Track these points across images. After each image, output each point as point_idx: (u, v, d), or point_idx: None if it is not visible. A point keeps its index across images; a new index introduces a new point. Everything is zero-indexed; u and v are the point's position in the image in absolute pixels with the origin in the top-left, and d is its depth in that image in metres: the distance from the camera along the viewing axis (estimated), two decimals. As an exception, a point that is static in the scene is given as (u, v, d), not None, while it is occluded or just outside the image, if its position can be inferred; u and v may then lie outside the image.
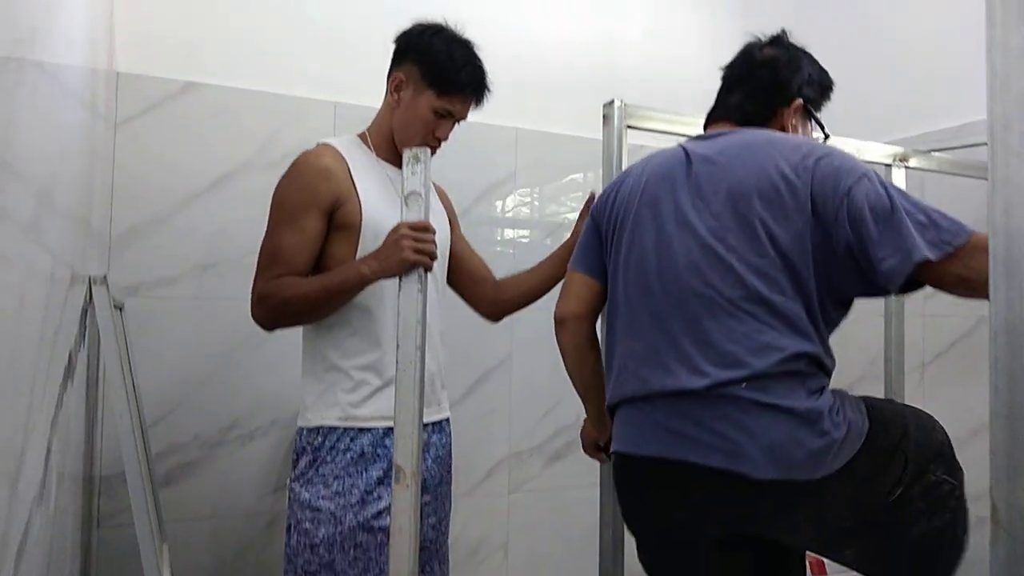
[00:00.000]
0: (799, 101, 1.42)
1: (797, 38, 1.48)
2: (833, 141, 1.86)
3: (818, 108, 1.48)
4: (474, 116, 1.64)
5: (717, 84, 1.47)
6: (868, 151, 1.93)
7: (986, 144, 2.13)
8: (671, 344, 1.28)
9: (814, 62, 1.47)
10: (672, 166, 1.37)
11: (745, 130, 1.37)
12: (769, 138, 1.32)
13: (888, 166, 1.97)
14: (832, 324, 1.31)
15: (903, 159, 1.95)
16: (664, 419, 1.27)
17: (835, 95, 2.86)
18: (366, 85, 1.81)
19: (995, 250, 0.82)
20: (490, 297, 1.75)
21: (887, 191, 1.22)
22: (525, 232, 2.52)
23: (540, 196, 2.54)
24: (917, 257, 1.17)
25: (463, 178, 2.31)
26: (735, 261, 1.24)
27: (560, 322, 1.49)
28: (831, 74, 1.51)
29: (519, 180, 2.46)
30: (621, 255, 1.39)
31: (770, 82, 1.42)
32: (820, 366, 1.26)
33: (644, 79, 2.62)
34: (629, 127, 1.53)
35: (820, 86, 1.47)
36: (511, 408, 2.41)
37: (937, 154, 2.00)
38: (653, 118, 1.57)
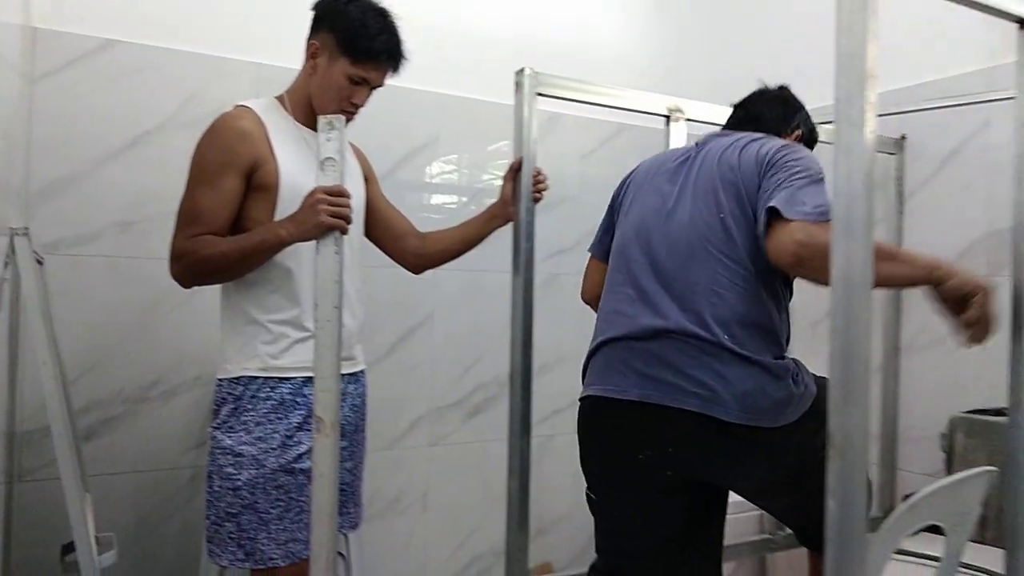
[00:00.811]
0: (799, 132, 1.63)
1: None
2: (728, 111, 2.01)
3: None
4: (396, 80, 1.69)
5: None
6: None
7: (882, 115, 2.30)
8: (665, 289, 1.43)
9: (809, 114, 1.69)
10: (684, 152, 1.56)
11: (750, 133, 1.54)
12: (767, 137, 1.50)
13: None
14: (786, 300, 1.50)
15: (794, 131, 2.09)
16: (643, 367, 1.42)
17: (731, 69, 3.04)
18: (289, 46, 1.83)
19: (837, 210, 0.94)
20: (413, 250, 1.83)
21: (810, 180, 1.35)
22: (451, 198, 2.59)
23: (465, 162, 2.61)
24: (770, 202, 1.31)
25: (384, 141, 2.36)
26: (732, 225, 1.40)
27: (587, 304, 1.76)
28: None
29: (441, 145, 2.52)
30: (628, 219, 1.57)
31: (780, 111, 1.64)
32: (783, 333, 1.45)
33: (567, 47, 2.70)
34: (540, 95, 1.61)
35: (811, 133, 1.68)
36: (432, 365, 2.50)
37: (824, 126, 2.14)
38: (563, 86, 1.66)
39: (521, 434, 1.64)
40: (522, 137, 1.61)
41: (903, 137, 2.25)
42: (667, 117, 1.85)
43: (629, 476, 1.49)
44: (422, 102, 2.46)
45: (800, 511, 1.52)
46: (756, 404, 1.36)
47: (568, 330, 2.76)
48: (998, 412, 1.92)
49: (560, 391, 2.74)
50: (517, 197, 1.67)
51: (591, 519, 1.60)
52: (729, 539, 1.92)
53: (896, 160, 2.24)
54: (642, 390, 1.42)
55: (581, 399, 1.57)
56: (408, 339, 2.45)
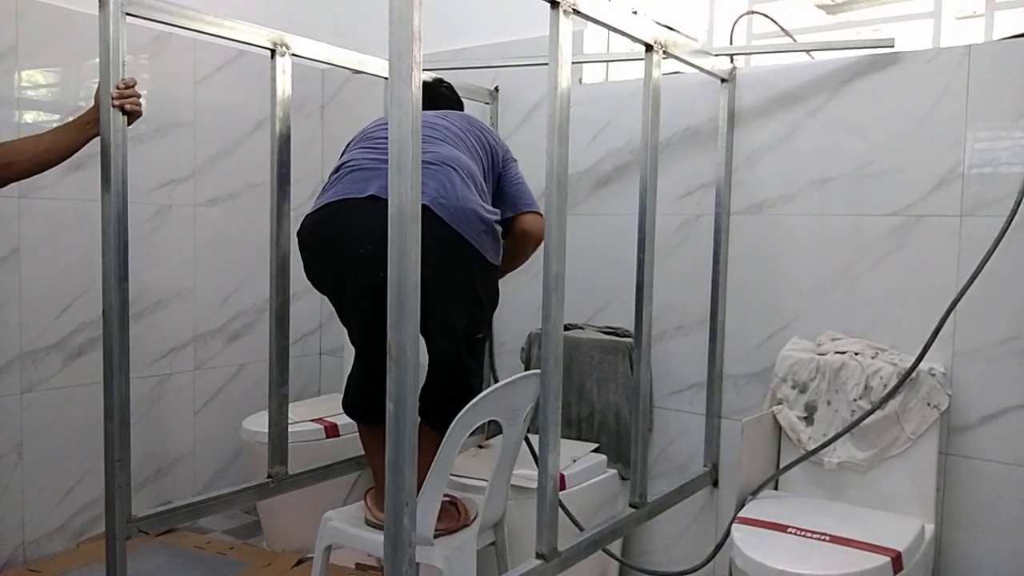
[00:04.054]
0: None
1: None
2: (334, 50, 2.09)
3: None
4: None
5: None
6: (370, 64, 2.15)
7: (477, 68, 2.54)
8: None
9: None
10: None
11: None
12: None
13: (386, 79, 2.24)
14: None
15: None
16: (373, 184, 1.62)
17: (359, 19, 3.08)
18: None
19: (392, 154, 1.07)
20: None
21: None
22: (48, 116, 2.32)
23: (67, 77, 2.36)
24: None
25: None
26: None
27: None
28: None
29: (24, 57, 2.24)
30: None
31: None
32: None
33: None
34: (129, 15, 1.52)
35: None
36: (22, 303, 2.26)
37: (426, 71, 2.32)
38: (156, 8, 1.58)
39: (119, 371, 1.58)
40: (108, 59, 1.51)
41: (496, 88, 2.51)
42: (272, 51, 1.86)
43: (350, 273, 1.62)
44: (-3, 6, 2.16)
45: (449, 370, 1.69)
46: (468, 217, 1.60)
47: (185, 264, 2.68)
48: (566, 327, 2.30)
49: (177, 329, 2.66)
50: (103, 107, 1.54)
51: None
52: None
53: (491, 108, 2.50)
54: (379, 189, 1.59)
55: (308, 215, 1.69)
56: (-11, 276, 2.19)
